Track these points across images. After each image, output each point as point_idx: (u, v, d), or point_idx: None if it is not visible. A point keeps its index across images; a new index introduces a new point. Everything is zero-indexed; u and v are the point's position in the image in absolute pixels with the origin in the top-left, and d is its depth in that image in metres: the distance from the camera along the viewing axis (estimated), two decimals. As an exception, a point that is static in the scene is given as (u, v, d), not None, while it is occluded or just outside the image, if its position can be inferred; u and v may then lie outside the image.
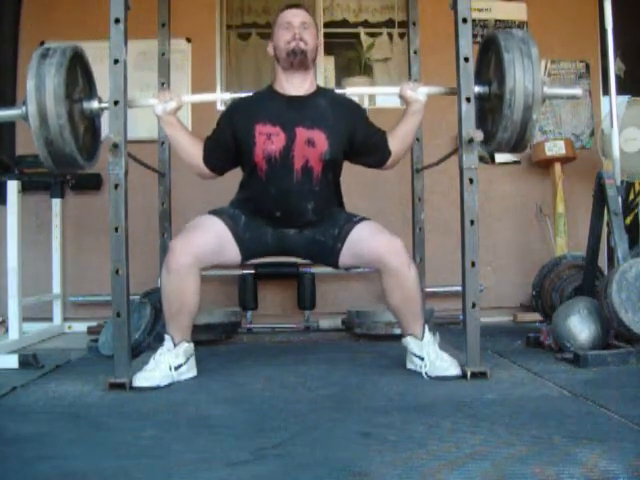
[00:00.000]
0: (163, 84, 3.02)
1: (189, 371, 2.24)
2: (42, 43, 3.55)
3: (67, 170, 2.38)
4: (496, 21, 3.96)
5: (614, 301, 2.29)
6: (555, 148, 3.70)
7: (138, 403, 1.92)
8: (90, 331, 3.45)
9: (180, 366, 2.19)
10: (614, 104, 3.02)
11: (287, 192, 2.27)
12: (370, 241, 2.23)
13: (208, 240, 2.22)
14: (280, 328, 3.54)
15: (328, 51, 3.97)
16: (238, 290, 3.59)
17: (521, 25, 3.95)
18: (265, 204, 2.31)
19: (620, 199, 2.64)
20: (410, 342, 2.27)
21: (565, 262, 3.06)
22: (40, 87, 2.04)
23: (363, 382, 2.14)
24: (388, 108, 3.49)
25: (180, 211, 3.16)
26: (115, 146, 2.09)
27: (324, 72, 3.89)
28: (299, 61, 2.27)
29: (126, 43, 2.14)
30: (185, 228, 2.25)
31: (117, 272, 2.09)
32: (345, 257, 2.29)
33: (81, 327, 3.59)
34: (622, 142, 3.29)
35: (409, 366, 2.30)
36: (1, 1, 3.71)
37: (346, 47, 4.14)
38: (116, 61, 2.12)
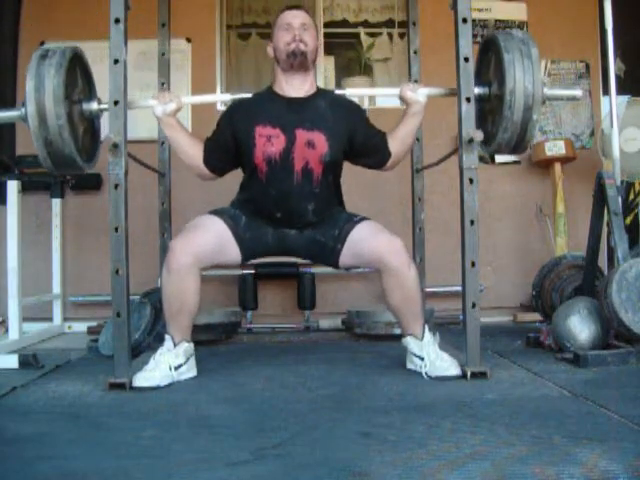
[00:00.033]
0: (163, 84, 3.02)
1: (189, 371, 2.24)
2: (42, 43, 3.59)
3: (66, 171, 2.38)
4: (496, 21, 3.96)
5: (614, 301, 2.29)
6: (555, 148, 3.70)
7: (138, 403, 1.92)
8: (90, 331, 3.45)
9: (180, 366, 2.19)
10: (614, 104, 3.02)
11: (287, 194, 2.27)
12: (370, 241, 2.23)
13: (208, 240, 2.22)
14: (280, 328, 3.54)
15: (328, 51, 3.97)
16: (238, 290, 3.59)
17: (521, 25, 3.95)
18: (265, 205, 2.31)
19: (620, 199, 2.64)
20: (410, 342, 2.27)
21: (565, 262, 3.06)
22: (39, 88, 2.04)
23: (363, 382, 2.14)
24: (388, 108, 3.49)
25: (180, 211, 3.16)
26: (115, 146, 2.09)
27: (324, 72, 3.89)
28: (299, 63, 2.27)
29: (126, 43, 2.14)
30: (185, 228, 2.25)
31: (117, 272, 2.09)
32: (345, 257, 2.29)
33: (81, 327, 3.59)
34: (622, 142, 3.29)
35: (409, 366, 2.30)
36: (1, 1, 3.71)
37: (346, 47, 4.13)
38: (116, 61, 2.12)
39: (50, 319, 3.59)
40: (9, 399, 2.00)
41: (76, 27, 3.61)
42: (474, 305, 2.15)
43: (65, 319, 3.66)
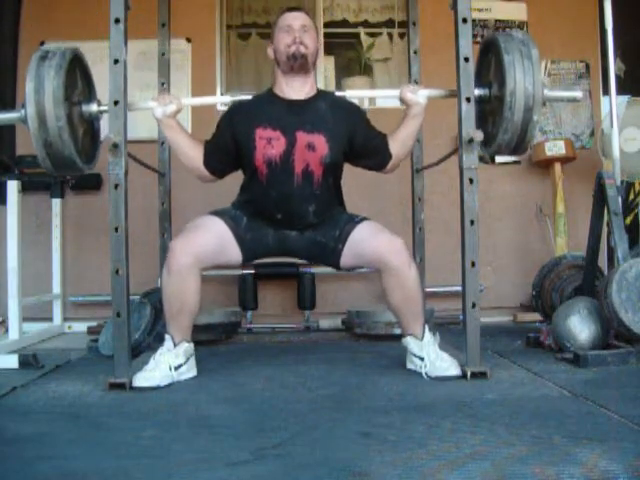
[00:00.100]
0: (163, 84, 3.02)
1: (189, 371, 2.24)
2: (42, 43, 3.60)
3: (66, 172, 2.38)
4: (496, 21, 3.96)
5: (614, 301, 2.29)
6: (555, 148, 3.70)
7: (138, 403, 1.92)
8: (90, 331, 3.45)
9: (180, 366, 2.19)
10: (614, 104, 3.02)
11: (288, 196, 2.27)
12: (371, 241, 2.23)
13: (209, 240, 2.22)
14: (280, 328, 3.54)
15: (328, 51, 3.97)
16: (238, 290, 3.59)
17: (521, 25, 3.95)
18: (266, 207, 2.31)
19: (620, 199, 2.64)
20: (410, 342, 2.27)
21: (565, 262, 3.06)
22: (39, 89, 2.03)
23: (363, 382, 2.14)
24: (388, 108, 3.49)
25: (180, 211, 3.16)
26: (115, 146, 2.09)
27: (324, 72, 3.89)
28: (299, 65, 2.26)
29: (126, 43, 2.14)
30: (186, 228, 2.25)
31: (117, 272, 2.09)
32: (346, 257, 2.29)
33: (81, 327, 3.59)
34: (622, 142, 3.29)
35: (409, 366, 2.30)
36: (1, 1, 3.71)
37: (346, 47, 4.13)
38: (116, 61, 2.12)
39: (50, 319, 3.59)
40: (9, 399, 2.00)
41: (76, 27, 3.61)
42: (474, 305, 2.15)
43: (65, 319, 3.66)
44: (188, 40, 3.82)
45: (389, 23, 4.09)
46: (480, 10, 3.92)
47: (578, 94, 2.36)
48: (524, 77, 2.10)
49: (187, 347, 2.22)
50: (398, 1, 4.06)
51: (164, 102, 2.28)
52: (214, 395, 2.01)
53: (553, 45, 3.87)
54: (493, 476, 1.25)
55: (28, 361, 2.43)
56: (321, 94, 2.39)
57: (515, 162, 3.90)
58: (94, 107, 2.26)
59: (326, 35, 3.90)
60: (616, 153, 2.99)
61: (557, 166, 3.71)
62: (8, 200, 3.00)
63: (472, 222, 2.15)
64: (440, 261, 3.43)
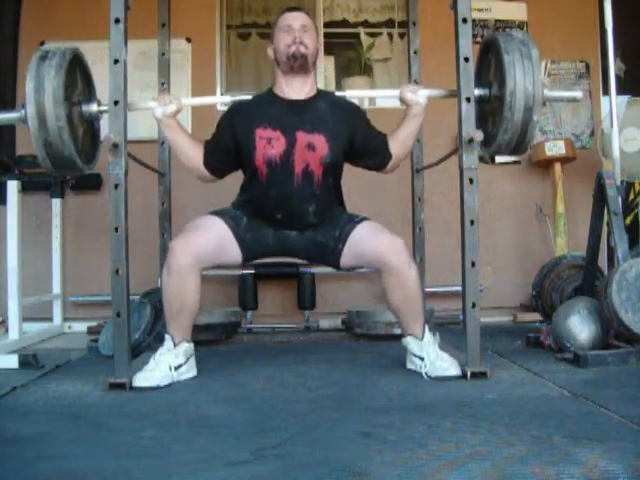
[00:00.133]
0: (163, 84, 3.02)
1: (189, 371, 2.24)
2: (42, 43, 3.60)
3: (66, 172, 2.38)
4: (496, 21, 3.96)
5: (614, 301, 2.29)
6: (555, 148, 3.70)
7: (138, 403, 1.92)
8: (90, 331, 3.45)
9: (180, 366, 2.19)
10: (614, 104, 3.02)
11: (288, 196, 2.27)
12: (371, 241, 2.23)
13: (209, 240, 2.22)
14: (280, 328, 3.54)
15: (328, 51, 3.97)
16: (238, 290, 3.59)
17: (521, 25, 3.95)
18: (266, 207, 2.31)
19: (620, 199, 2.64)
20: (410, 342, 2.27)
21: (565, 262, 3.06)
22: (39, 89, 2.03)
23: (363, 382, 2.14)
24: (388, 108, 3.49)
25: (180, 211, 3.16)
26: (115, 146, 2.09)
27: (324, 72, 3.89)
28: (299, 65, 2.26)
29: (126, 43, 2.14)
30: (186, 228, 2.25)
31: (117, 272, 2.09)
32: (347, 257, 2.29)
33: (81, 327, 3.59)
34: (622, 142, 3.29)
35: (409, 366, 2.30)
36: (1, 1, 3.71)
37: (346, 47, 4.13)
38: (116, 61, 2.12)
39: (50, 319, 3.59)
40: (9, 399, 2.00)
41: (76, 27, 3.61)
42: (474, 305, 2.15)
43: (65, 319, 3.66)
44: (188, 40, 3.82)
45: (389, 23, 4.09)
46: (480, 10, 3.92)
47: (578, 94, 2.36)
48: (524, 77, 2.10)
49: (187, 347, 2.22)
50: (398, 1, 4.06)
51: (164, 102, 2.28)
52: (214, 395, 2.01)
53: (553, 45, 3.87)
54: (493, 476, 1.25)
55: (28, 361, 2.43)
56: (321, 94, 2.38)
57: (515, 162, 3.90)
58: (94, 107, 2.26)
59: (326, 35, 3.90)
60: (616, 153, 2.99)
61: (557, 166, 3.71)
62: (8, 200, 3.00)
63: (472, 222, 2.15)
64: (440, 261, 3.43)
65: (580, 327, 2.44)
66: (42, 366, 2.43)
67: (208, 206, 2.46)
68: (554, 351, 2.53)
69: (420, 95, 2.32)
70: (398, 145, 2.37)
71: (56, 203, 3.61)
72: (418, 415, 1.70)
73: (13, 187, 2.99)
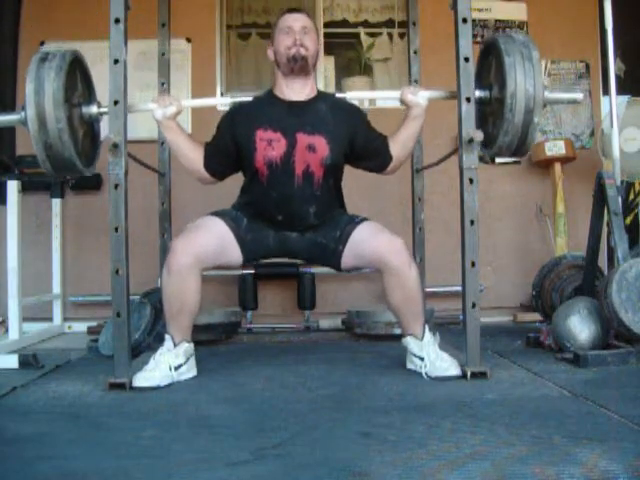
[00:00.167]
0: (163, 84, 3.02)
1: (189, 371, 2.24)
2: (42, 43, 3.60)
3: (66, 174, 2.38)
4: (496, 21, 3.96)
5: (614, 301, 2.29)
6: (555, 148, 3.70)
7: (138, 403, 1.92)
8: (90, 331, 3.45)
9: (180, 366, 2.19)
10: (614, 104, 3.02)
11: (288, 197, 2.27)
12: (371, 241, 2.23)
13: (210, 241, 2.22)
14: (280, 328, 3.54)
15: (328, 51, 3.97)
16: (238, 290, 3.59)
17: (521, 25, 3.95)
18: (267, 208, 2.31)
19: (620, 199, 2.64)
20: (410, 342, 2.27)
21: (565, 262, 3.06)
22: (39, 91, 2.03)
23: (363, 382, 2.14)
24: (388, 109, 3.49)
25: (180, 211, 3.17)
26: (115, 146, 2.09)
27: (324, 72, 3.89)
28: (300, 67, 2.26)
29: (126, 43, 2.14)
30: (187, 228, 2.25)
31: (117, 272, 2.09)
32: (347, 258, 2.29)
33: (81, 327, 3.59)
34: (622, 142, 3.29)
35: (409, 366, 2.30)
36: (1, 1, 3.71)
37: (346, 47, 4.13)
38: (116, 61, 2.12)
39: (50, 319, 3.59)
40: (9, 399, 2.00)
41: (76, 27, 3.61)
42: (474, 305, 2.15)
43: (65, 319, 3.66)
44: (188, 40, 3.82)
45: (389, 23, 4.09)
46: (480, 10, 3.92)
47: (579, 96, 2.36)
48: (525, 79, 2.10)
49: (187, 347, 2.22)
50: (398, 1, 4.06)
51: (164, 104, 2.27)
52: (214, 395, 2.01)
53: (553, 45, 3.87)
54: (493, 476, 1.25)
55: (28, 361, 2.43)
56: (321, 95, 2.38)
57: (515, 162, 3.89)
58: (94, 109, 2.26)
59: (326, 35, 3.90)
60: (616, 153, 2.99)
61: (557, 166, 3.71)
62: (8, 200, 3.00)
63: (472, 222, 2.15)
64: (440, 261, 3.43)
65: (580, 327, 2.44)
66: (42, 366, 2.43)
67: (208, 207, 2.46)
68: (554, 351, 2.53)
69: (421, 96, 2.32)
70: (399, 147, 2.37)
71: (56, 203, 3.61)
72: (418, 415, 1.70)
73: (13, 187, 2.99)
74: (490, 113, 2.29)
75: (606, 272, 2.95)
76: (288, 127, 2.25)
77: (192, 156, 2.34)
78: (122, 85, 2.12)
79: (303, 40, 2.26)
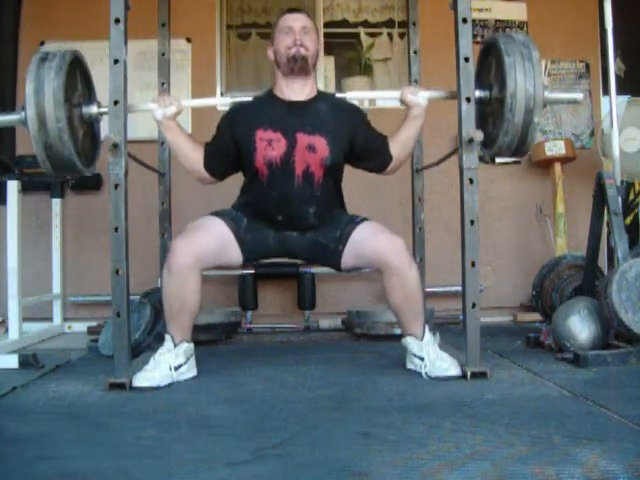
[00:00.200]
0: (163, 84, 3.02)
1: (189, 371, 2.24)
2: (42, 43, 3.60)
3: (66, 174, 2.38)
4: (496, 21, 3.96)
5: (614, 301, 2.29)
6: (555, 148, 3.70)
7: (138, 403, 1.92)
8: (90, 331, 3.45)
9: (180, 366, 2.19)
10: (614, 104, 3.02)
11: (288, 197, 2.27)
12: (371, 241, 2.23)
13: (210, 241, 2.22)
14: (280, 328, 3.54)
15: (328, 51, 3.97)
16: (238, 290, 3.59)
17: (521, 25, 3.95)
18: (267, 208, 2.31)
19: (620, 199, 2.64)
20: (410, 342, 2.27)
21: (565, 262, 3.06)
22: (39, 90, 2.03)
23: (363, 382, 2.14)
24: (388, 109, 3.49)
25: (180, 211, 3.16)
26: (115, 146, 2.09)
27: (324, 72, 3.89)
28: (300, 67, 2.26)
29: (126, 43, 2.14)
30: (187, 228, 2.25)
31: (117, 272, 2.09)
32: (347, 258, 2.29)
33: (81, 327, 3.59)
34: (622, 142, 3.29)
35: (409, 366, 2.30)
36: (1, 1, 3.71)
37: (346, 47, 4.13)
38: (116, 61, 2.12)
39: (50, 319, 3.59)
40: (9, 399, 2.00)
41: (76, 27, 3.61)
42: (474, 305, 2.15)
43: (65, 319, 3.66)
44: (188, 40, 3.82)
45: (389, 23, 4.09)
46: (480, 10, 3.92)
47: (579, 96, 2.36)
48: (525, 79, 2.10)
49: (187, 347, 2.22)
50: (398, 1, 4.06)
51: (164, 104, 2.27)
52: (214, 395, 2.01)
53: (553, 45, 3.87)
54: (493, 476, 1.25)
55: (28, 361, 2.43)
56: (321, 96, 2.38)
57: (515, 162, 3.89)
58: (94, 109, 2.26)
59: (326, 35, 3.89)
60: (616, 153, 2.99)
61: (557, 166, 3.71)
62: (8, 200, 3.00)
63: (472, 222, 2.15)
64: (440, 261, 3.43)
65: (580, 327, 2.44)
66: (42, 366, 2.43)
67: (208, 207, 2.46)
68: (554, 351, 2.53)
69: (421, 96, 2.32)
70: (399, 147, 2.37)
71: (56, 203, 3.61)
72: (418, 415, 1.70)
73: (13, 187, 2.99)
74: (490, 113, 2.29)
75: (606, 272, 2.95)
76: (288, 127, 2.25)
77: (192, 156, 2.34)
78: (122, 85, 2.12)
79: (303, 40, 2.26)
